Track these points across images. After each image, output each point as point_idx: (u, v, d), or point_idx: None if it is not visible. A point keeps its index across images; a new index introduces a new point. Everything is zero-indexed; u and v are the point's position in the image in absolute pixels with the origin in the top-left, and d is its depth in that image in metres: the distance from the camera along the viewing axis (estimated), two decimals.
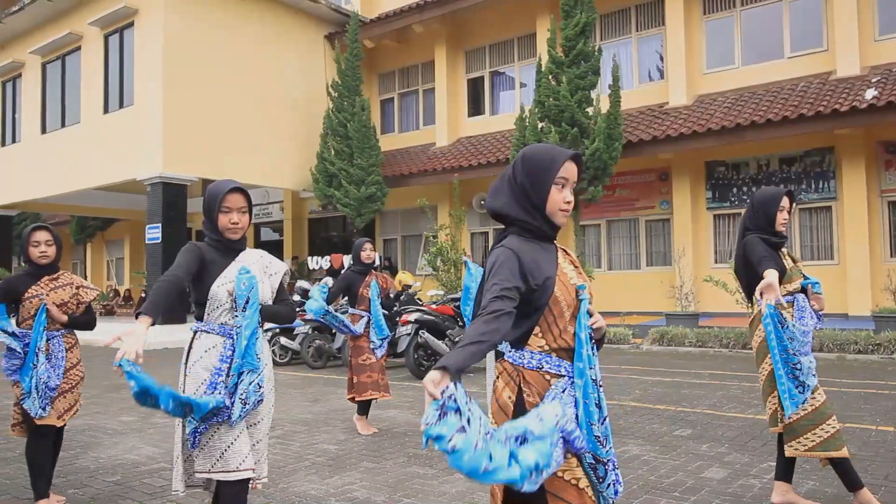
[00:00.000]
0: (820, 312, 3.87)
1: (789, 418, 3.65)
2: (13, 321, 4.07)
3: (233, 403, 2.87)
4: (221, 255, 3.00)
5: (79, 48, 17.27)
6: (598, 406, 1.97)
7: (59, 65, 18.06)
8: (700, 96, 14.56)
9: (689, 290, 13.13)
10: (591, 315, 2.03)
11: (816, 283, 3.82)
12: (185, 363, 2.96)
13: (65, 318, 4.01)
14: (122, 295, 23.39)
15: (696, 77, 14.79)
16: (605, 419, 1.99)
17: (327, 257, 16.64)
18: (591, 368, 1.97)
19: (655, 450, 5.12)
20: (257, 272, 3.01)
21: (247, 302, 2.90)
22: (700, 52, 14.86)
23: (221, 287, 2.92)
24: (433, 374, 1.65)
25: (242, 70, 16.44)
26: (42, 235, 4.03)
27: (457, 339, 9.20)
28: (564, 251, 2.14)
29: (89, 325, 4.17)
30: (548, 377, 1.97)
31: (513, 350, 2.01)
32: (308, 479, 4.60)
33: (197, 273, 2.92)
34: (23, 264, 4.50)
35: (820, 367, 8.73)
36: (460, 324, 9.44)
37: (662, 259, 14.92)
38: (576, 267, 2.12)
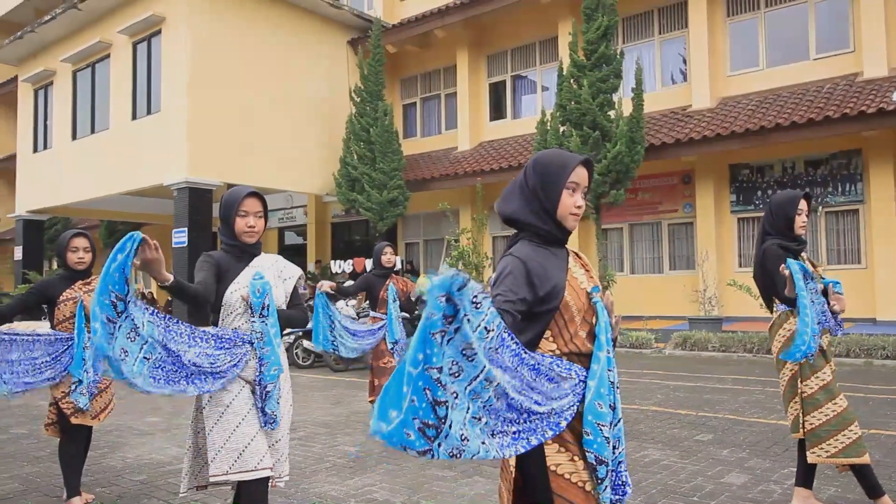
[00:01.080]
0: (839, 316, 3.84)
1: (802, 358, 3.51)
2: (47, 324, 4.20)
3: (266, 409, 2.97)
4: (236, 259, 3.08)
5: (108, 56, 17.61)
6: (612, 408, 1.98)
7: (89, 72, 18.42)
8: (724, 99, 14.44)
9: (713, 295, 13.01)
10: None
11: (837, 283, 3.79)
12: None
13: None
14: (147, 298, 23.76)
15: (720, 79, 14.67)
16: (618, 421, 2.00)
17: (350, 261, 16.76)
18: (609, 370, 1.98)
19: (675, 454, 5.10)
20: (271, 277, 3.08)
21: (263, 308, 2.97)
22: (724, 54, 14.74)
23: (235, 293, 3.00)
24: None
25: (267, 76, 16.64)
26: (81, 242, 4.17)
27: None
28: (576, 255, 2.16)
29: None
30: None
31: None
32: (328, 480, 4.66)
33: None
34: (56, 268, 4.64)
35: (847, 373, 8.68)
36: None
37: (686, 263, 14.80)
38: (587, 271, 2.13)
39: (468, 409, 1.66)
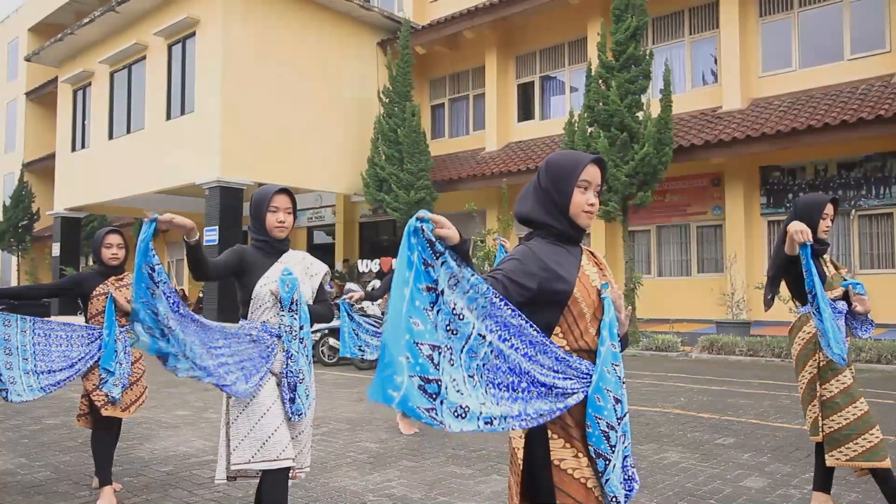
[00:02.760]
0: (869, 316, 3.79)
1: (842, 363, 3.51)
2: (81, 318, 4.37)
3: (295, 396, 3.08)
4: (265, 255, 3.18)
5: (144, 57, 18.00)
6: (618, 401, 1.99)
7: (125, 73, 18.86)
8: (755, 100, 14.25)
9: (741, 298, 12.85)
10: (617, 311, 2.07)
11: (858, 283, 3.74)
12: None
13: (129, 307, 4.26)
14: (180, 295, 24.21)
15: (752, 80, 14.48)
16: (624, 415, 2.02)
17: (377, 260, 16.90)
18: (614, 365, 2.00)
19: (695, 457, 5.09)
20: (299, 273, 3.18)
21: (293, 302, 3.07)
22: (755, 54, 14.54)
23: (264, 287, 3.10)
24: (450, 233, 1.67)
25: (298, 77, 16.87)
26: (115, 239, 4.35)
27: None
28: (591, 253, 2.19)
29: None
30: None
31: None
32: (348, 474, 4.74)
33: (240, 274, 3.12)
34: (92, 264, 4.85)
35: (878, 379, 8.53)
36: None
37: (714, 266, 14.63)
38: (601, 269, 2.16)
39: (464, 366, 1.73)
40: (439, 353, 1.66)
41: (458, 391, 1.69)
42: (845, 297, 3.73)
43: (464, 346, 1.73)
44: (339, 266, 20.37)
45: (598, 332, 2.05)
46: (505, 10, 16.62)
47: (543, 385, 1.90)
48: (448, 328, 1.69)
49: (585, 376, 2.01)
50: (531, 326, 1.87)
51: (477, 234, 15.83)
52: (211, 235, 15.74)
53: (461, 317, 1.70)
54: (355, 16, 18.20)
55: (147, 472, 4.83)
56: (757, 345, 10.97)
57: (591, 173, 2.10)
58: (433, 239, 1.64)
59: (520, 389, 1.86)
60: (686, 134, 13.77)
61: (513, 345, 1.84)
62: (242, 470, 3.10)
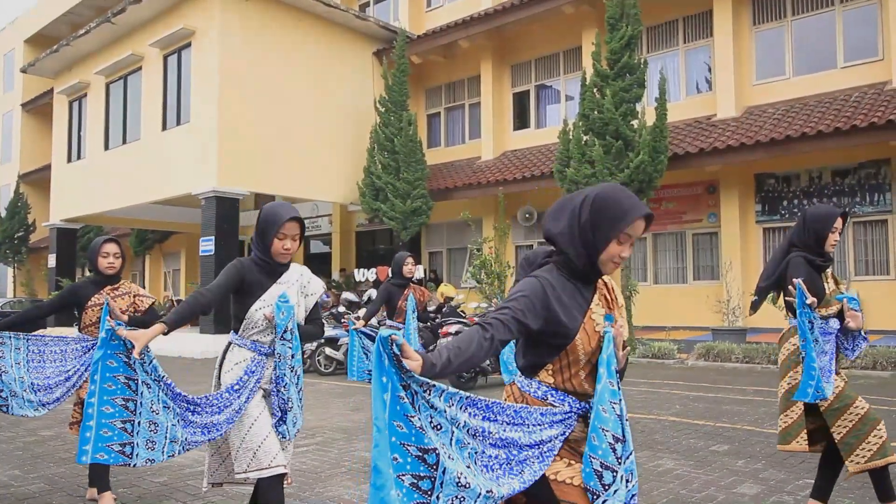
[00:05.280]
0: (862, 332, 3.76)
1: (814, 399, 3.49)
2: (76, 328, 4.37)
3: (284, 419, 3.12)
4: (264, 274, 3.15)
5: (140, 68, 18.05)
6: (623, 440, 1.94)
7: (121, 84, 18.89)
8: (749, 108, 14.33)
9: (737, 305, 12.87)
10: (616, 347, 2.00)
11: (852, 298, 3.72)
12: (219, 368, 3.20)
13: (125, 317, 4.25)
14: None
15: (746, 88, 14.56)
16: (627, 456, 1.95)
17: (374, 269, 16.91)
18: (612, 403, 1.93)
19: (690, 464, 5.09)
20: (295, 293, 3.17)
21: (286, 331, 3.07)
22: (749, 62, 14.63)
23: (259, 311, 3.10)
24: (414, 365, 1.69)
25: (294, 87, 16.91)
26: (111, 248, 4.35)
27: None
28: (604, 284, 2.10)
29: (146, 325, 4.42)
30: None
31: (522, 377, 2.06)
32: (343, 484, 4.74)
33: (238, 291, 3.12)
34: (88, 273, 4.84)
35: (874, 386, 8.56)
36: None
37: (710, 273, 14.66)
38: (608, 302, 2.08)
39: (461, 457, 1.76)
40: (434, 455, 1.70)
41: (461, 485, 1.73)
42: (840, 313, 3.69)
43: (451, 440, 1.77)
44: (335, 276, 20.37)
45: (589, 377, 2.02)
46: (500, 19, 16.71)
47: (530, 446, 1.91)
48: (433, 425, 1.73)
49: (569, 415, 2.00)
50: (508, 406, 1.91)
51: (473, 243, 15.84)
52: (207, 246, 15.73)
53: (435, 408, 1.74)
54: (351, 26, 18.27)
55: (141, 483, 4.82)
56: (753, 352, 10.98)
57: (637, 228, 1.97)
58: (402, 366, 1.67)
59: (514, 461, 1.89)
60: (681, 142, 13.82)
61: (493, 419, 1.86)
62: (239, 479, 3.15)
